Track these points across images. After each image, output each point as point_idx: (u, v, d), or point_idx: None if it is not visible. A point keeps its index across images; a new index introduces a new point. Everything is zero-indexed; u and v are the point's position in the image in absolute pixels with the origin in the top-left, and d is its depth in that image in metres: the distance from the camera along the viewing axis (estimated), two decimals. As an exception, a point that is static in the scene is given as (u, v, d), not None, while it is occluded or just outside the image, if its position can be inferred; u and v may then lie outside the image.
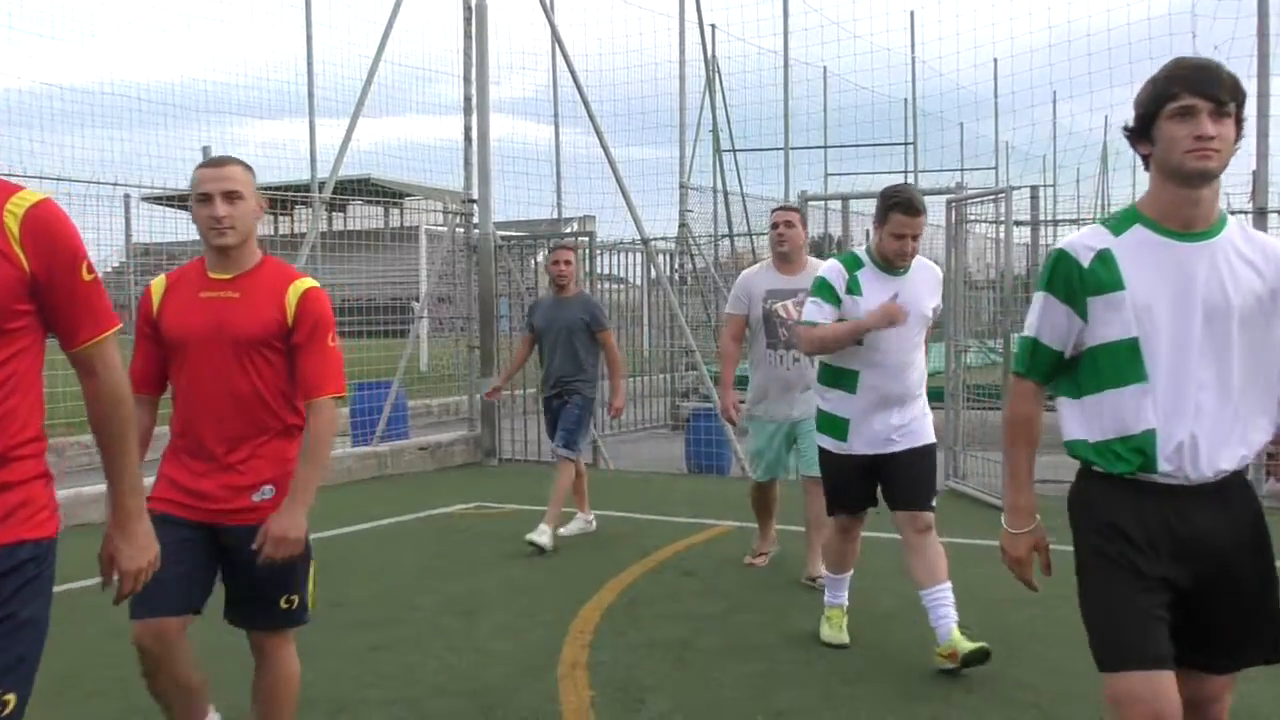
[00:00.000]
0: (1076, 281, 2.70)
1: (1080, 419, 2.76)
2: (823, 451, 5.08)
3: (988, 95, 21.39)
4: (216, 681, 4.78)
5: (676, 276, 14.97)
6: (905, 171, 21.84)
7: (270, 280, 3.38)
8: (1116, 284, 2.66)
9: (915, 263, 4.91)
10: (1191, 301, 2.64)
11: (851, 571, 5.30)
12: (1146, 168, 2.73)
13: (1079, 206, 27.64)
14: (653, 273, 14.45)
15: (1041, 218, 17.30)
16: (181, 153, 12.94)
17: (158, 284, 3.46)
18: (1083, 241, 2.73)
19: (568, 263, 7.83)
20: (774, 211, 6.58)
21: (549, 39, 14.74)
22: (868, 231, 24.03)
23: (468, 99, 11.87)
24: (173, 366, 3.42)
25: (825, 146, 21.11)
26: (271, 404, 3.36)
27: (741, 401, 6.62)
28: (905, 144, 21.85)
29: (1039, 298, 2.78)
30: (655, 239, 13.86)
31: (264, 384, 3.34)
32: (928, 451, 5.01)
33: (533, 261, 14.44)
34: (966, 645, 4.72)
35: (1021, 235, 15.78)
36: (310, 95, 14.93)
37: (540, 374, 8.08)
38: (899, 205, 4.72)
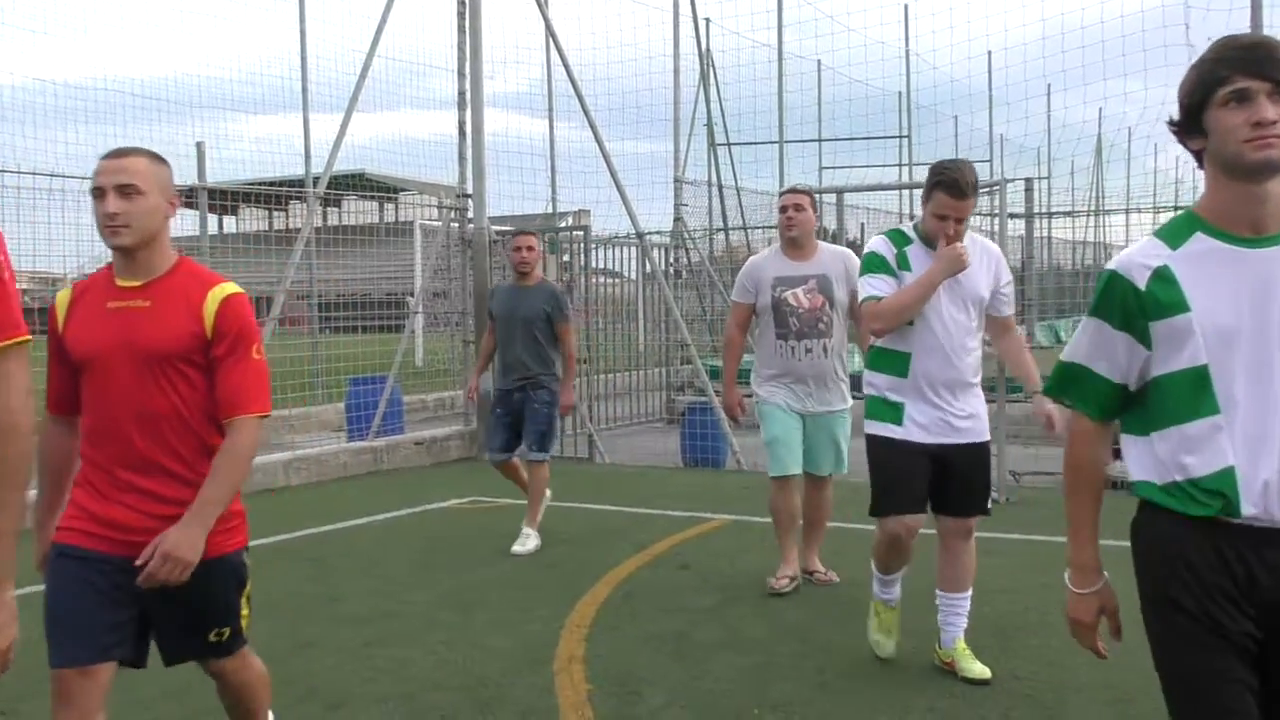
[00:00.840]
0: (1134, 306, 2.35)
1: (1147, 458, 2.41)
2: (875, 441, 4.61)
3: (982, 88, 21.45)
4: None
5: (671, 271, 14.98)
6: (900, 165, 21.88)
7: (185, 287, 3.03)
8: (1179, 305, 2.30)
9: (968, 241, 4.51)
10: (1269, 318, 2.27)
11: (902, 572, 4.85)
12: (1200, 165, 2.39)
13: (1073, 199, 27.70)
14: (648, 267, 14.45)
15: (1036, 210, 17.31)
16: (176, 149, 12.88)
17: (63, 296, 3.10)
18: (1137, 259, 2.37)
19: (530, 249, 7.42)
20: (782, 194, 6.21)
21: (543, 33, 14.72)
22: (862, 225, 24.06)
23: (462, 93, 11.85)
24: (82, 384, 3.05)
25: (819, 140, 21.11)
26: (193, 424, 3.01)
27: (747, 396, 6.43)
28: (900, 137, 21.90)
29: (1090, 324, 2.43)
30: (650, 233, 13.86)
31: (183, 403, 2.99)
32: (986, 451, 4.70)
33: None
34: (972, 669, 4.60)
35: (1016, 227, 15.79)
36: (304, 90, 14.94)
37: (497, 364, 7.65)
38: (944, 184, 4.37)
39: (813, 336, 5.90)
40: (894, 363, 4.56)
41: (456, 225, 12.18)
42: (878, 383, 4.63)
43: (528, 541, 7.13)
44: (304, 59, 14.94)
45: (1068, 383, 2.51)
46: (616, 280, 16.79)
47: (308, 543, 7.60)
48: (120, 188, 2.95)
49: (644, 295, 15.80)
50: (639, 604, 5.86)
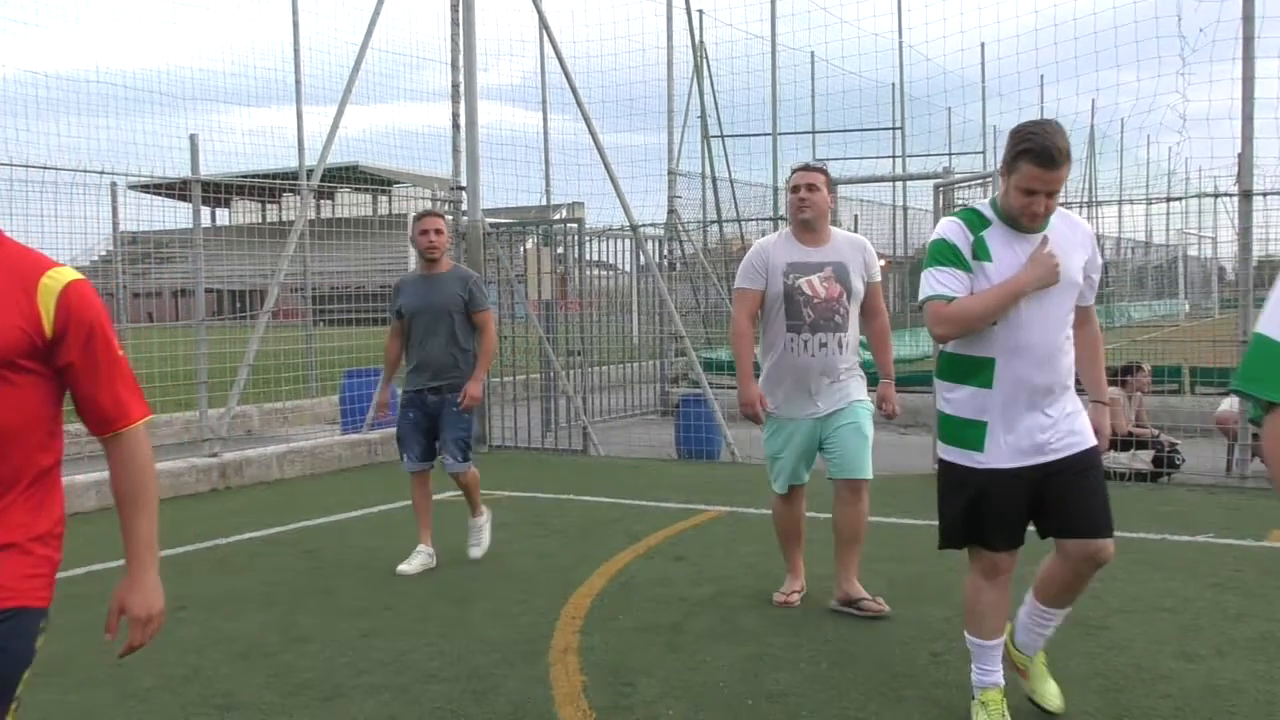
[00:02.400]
0: None
1: None
2: (949, 470, 3.91)
3: (975, 79, 21.45)
4: (211, 674, 4.81)
5: (665, 263, 14.98)
6: (893, 156, 21.87)
7: (10, 274, 2.27)
8: None
9: (1058, 218, 3.83)
10: None
11: (1005, 635, 4.04)
12: None
13: (1067, 189, 27.63)
14: (641, 259, 14.46)
15: (1029, 202, 17.28)
16: (168, 140, 12.87)
17: None
18: None
19: (438, 231, 6.64)
20: (795, 171, 5.50)
21: (536, 25, 14.69)
22: (855, 217, 24.04)
23: (455, 86, 11.84)
24: None
25: (813, 132, 21.14)
26: (21, 442, 2.30)
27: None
28: (893, 128, 21.90)
29: None
30: (644, 225, 13.86)
31: (11, 415, 2.26)
32: (1096, 458, 3.88)
33: (521, 248, 14.42)
34: (1045, 693, 4.11)
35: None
36: (297, 82, 14.90)
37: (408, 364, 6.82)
38: (1031, 153, 3.58)
39: (828, 330, 5.30)
40: (973, 371, 3.81)
41: (450, 218, 12.17)
42: (953, 397, 3.88)
43: (482, 536, 6.85)
44: (297, 51, 14.91)
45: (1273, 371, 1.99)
46: (611, 273, 16.80)
47: (302, 535, 7.61)
48: None
49: (638, 287, 15.80)
50: (634, 595, 5.88)
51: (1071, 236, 3.85)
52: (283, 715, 4.27)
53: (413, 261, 12.55)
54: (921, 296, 3.84)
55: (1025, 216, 3.71)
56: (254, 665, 4.83)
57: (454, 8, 11.73)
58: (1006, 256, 3.74)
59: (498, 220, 13.80)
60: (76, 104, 11.50)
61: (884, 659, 4.78)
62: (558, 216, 17.18)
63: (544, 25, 12.57)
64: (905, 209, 23.29)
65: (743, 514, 7.93)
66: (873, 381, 5.48)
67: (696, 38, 17.96)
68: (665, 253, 15.10)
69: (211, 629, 5.36)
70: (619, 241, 14.65)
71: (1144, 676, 4.48)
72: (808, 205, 5.34)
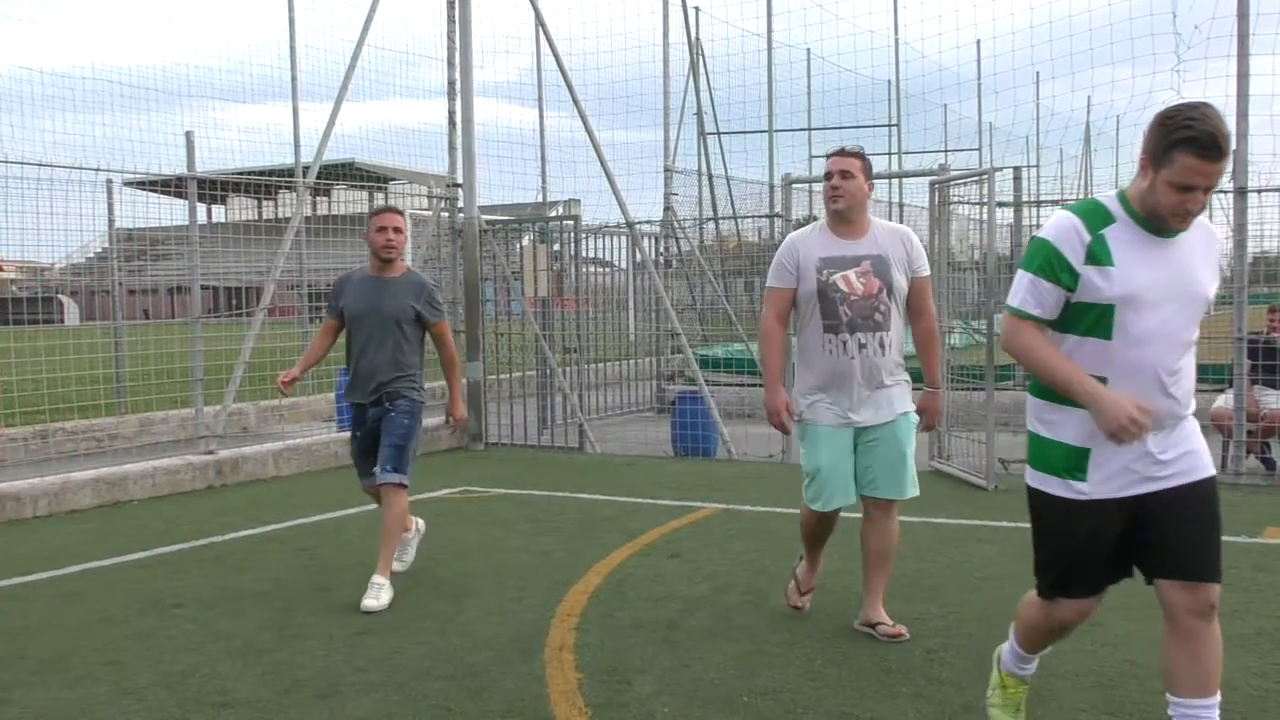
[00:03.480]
0: None
1: None
2: (1044, 501, 3.40)
3: (971, 76, 21.44)
4: (207, 671, 4.81)
5: (661, 260, 14.98)
6: (889, 153, 21.88)
7: None
8: None
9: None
10: None
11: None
12: None
13: (1062, 187, 27.76)
14: (638, 256, 14.46)
15: (1025, 198, 17.37)
16: (164, 137, 12.88)
17: None
18: None
19: (397, 230, 5.97)
20: (829, 157, 5.05)
21: (532, 22, 14.68)
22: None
23: (451, 83, 11.84)
24: None
25: (809, 129, 21.15)
26: None
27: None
28: (889, 125, 21.92)
29: None
30: (640, 222, 13.87)
31: None
32: (1211, 491, 3.32)
33: (518, 246, 14.43)
34: None
35: (1005, 216, 15.84)
36: (293, 79, 14.92)
37: (346, 369, 6.21)
38: (1193, 143, 3.03)
39: (867, 330, 4.87)
40: None
41: (446, 215, 12.17)
42: (1053, 419, 3.36)
43: (380, 594, 5.68)
44: (293, 48, 14.92)
45: None
46: (607, 270, 16.80)
47: (298, 532, 7.61)
48: None
49: (634, 284, 15.81)
50: (629, 593, 5.89)
51: (1208, 244, 3.33)
52: (279, 713, 4.27)
53: (409, 259, 12.54)
54: (1008, 303, 3.38)
55: (1176, 218, 3.14)
56: (250, 663, 4.84)
57: (450, 4, 11.73)
58: (1133, 261, 3.20)
59: (494, 217, 13.80)
60: (73, 101, 11.50)
61: (878, 656, 4.79)
62: (554, 214, 17.18)
63: (540, 22, 12.56)
64: (901, 206, 23.34)
65: (738, 511, 7.94)
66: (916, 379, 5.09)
67: (692, 34, 17.98)
68: (661, 250, 15.10)
69: (207, 626, 5.36)
70: (615, 239, 14.67)
71: (1138, 673, 4.49)
72: (842, 193, 4.90)
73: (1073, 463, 3.31)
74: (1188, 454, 3.30)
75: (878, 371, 4.90)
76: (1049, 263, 3.25)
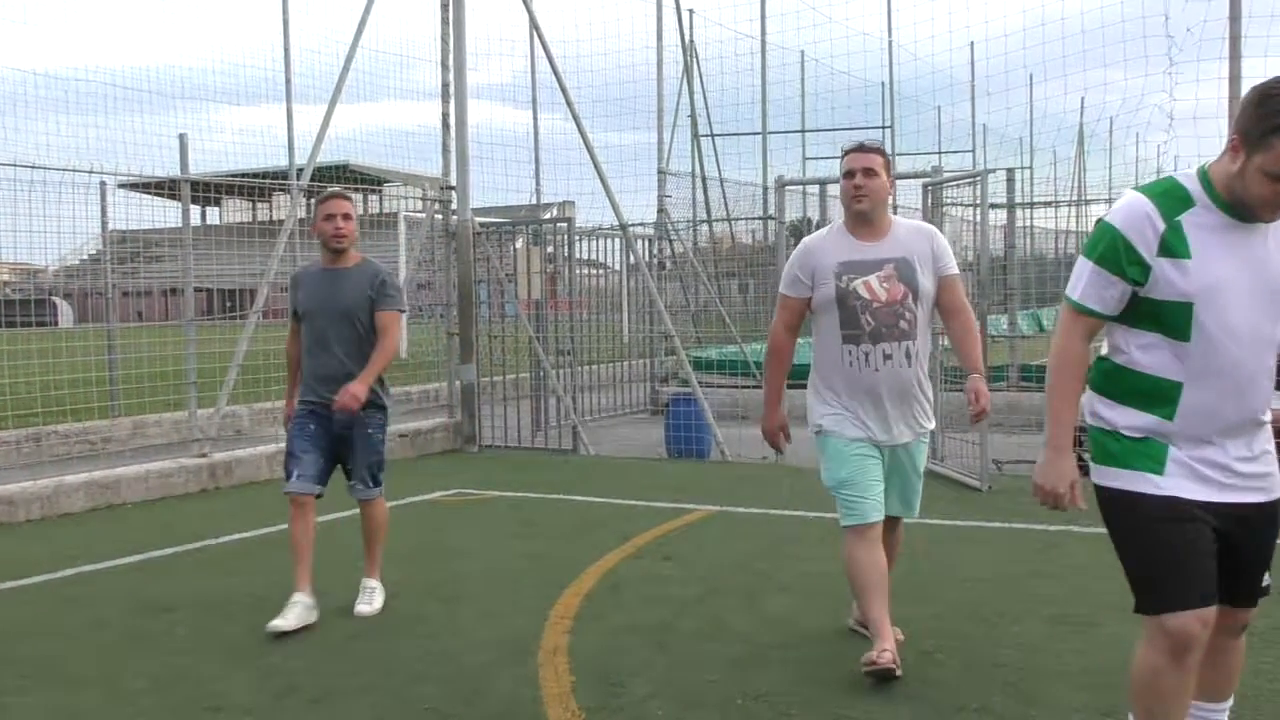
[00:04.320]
0: None
1: None
2: (1123, 502, 3.02)
3: (964, 78, 21.52)
4: (195, 674, 4.80)
5: (655, 262, 14.99)
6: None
7: None
8: None
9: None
10: None
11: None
12: None
13: (1055, 188, 27.81)
14: (631, 258, 14.47)
15: (1018, 200, 17.39)
16: (158, 139, 12.87)
17: None
18: None
19: (346, 216, 5.56)
20: (847, 154, 4.61)
21: (527, 25, 14.69)
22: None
23: (445, 85, 11.83)
24: None
25: (803, 131, 21.19)
26: None
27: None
28: (883, 127, 21.95)
29: None
30: (634, 224, 13.88)
31: None
32: (1276, 514, 3.07)
33: (511, 248, 14.43)
34: None
35: (998, 217, 15.84)
36: (287, 81, 14.93)
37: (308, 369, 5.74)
38: None
39: (892, 339, 4.48)
40: (1149, 394, 2.97)
41: (440, 217, 12.17)
42: (1117, 420, 3.03)
43: (374, 598, 5.70)
44: (287, 50, 14.93)
45: None
46: (601, 272, 16.80)
47: (292, 536, 7.59)
48: None
49: (628, 287, 15.83)
50: (623, 595, 5.88)
51: None
52: (272, 717, 4.26)
53: (403, 261, 12.54)
54: (1067, 290, 3.05)
55: (1268, 209, 2.82)
56: (243, 666, 4.83)
57: (444, 6, 11.72)
58: (1213, 251, 2.85)
59: (488, 219, 13.80)
60: (66, 102, 11.52)
61: (873, 658, 4.79)
62: (548, 215, 17.18)
63: (534, 24, 12.57)
64: (895, 207, 23.31)
65: (732, 513, 7.94)
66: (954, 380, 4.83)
67: (686, 37, 18.00)
68: (655, 252, 15.11)
69: (201, 630, 5.35)
70: (609, 240, 14.67)
71: (1131, 674, 4.49)
72: (865, 193, 4.50)
73: (1148, 454, 2.97)
74: (1268, 474, 3.02)
75: (908, 385, 4.54)
76: (1114, 251, 2.89)
